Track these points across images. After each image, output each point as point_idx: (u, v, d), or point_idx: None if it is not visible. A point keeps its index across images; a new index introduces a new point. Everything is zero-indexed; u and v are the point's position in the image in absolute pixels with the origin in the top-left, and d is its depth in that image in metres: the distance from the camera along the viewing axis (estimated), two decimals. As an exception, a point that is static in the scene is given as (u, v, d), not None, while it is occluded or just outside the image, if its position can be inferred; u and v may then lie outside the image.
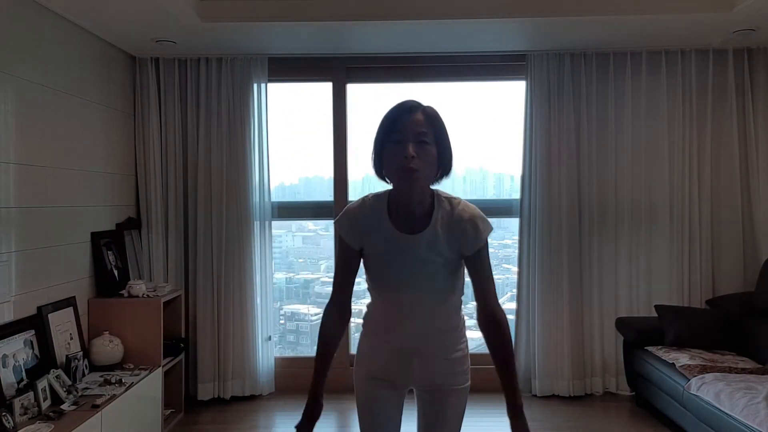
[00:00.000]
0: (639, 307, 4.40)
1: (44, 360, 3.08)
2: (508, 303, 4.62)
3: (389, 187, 1.80)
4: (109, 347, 3.53)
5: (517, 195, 4.54)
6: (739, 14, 3.62)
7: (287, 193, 4.93)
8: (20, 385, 2.83)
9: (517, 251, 4.52)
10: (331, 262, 4.90)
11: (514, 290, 4.53)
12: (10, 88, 2.97)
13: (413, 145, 1.66)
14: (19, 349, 2.91)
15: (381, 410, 1.91)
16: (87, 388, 3.16)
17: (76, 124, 3.58)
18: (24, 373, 2.90)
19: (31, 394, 2.78)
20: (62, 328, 3.32)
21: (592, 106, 4.42)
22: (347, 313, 1.88)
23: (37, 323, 3.10)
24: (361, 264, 1.87)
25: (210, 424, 4.04)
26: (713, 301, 4.27)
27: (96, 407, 2.90)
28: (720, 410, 3.04)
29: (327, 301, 1.88)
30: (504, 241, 5.09)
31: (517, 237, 4.53)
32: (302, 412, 1.81)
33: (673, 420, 3.65)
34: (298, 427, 1.79)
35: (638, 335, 4.05)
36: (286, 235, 5.27)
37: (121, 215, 4.17)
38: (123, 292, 3.82)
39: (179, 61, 4.43)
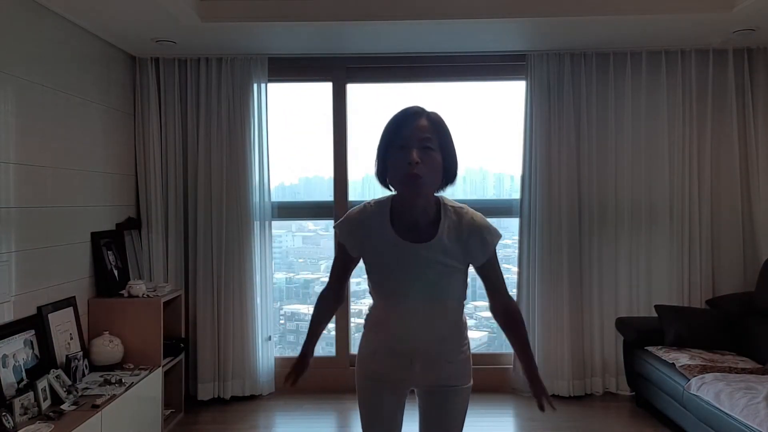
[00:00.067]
0: (639, 307, 4.40)
1: (44, 360, 3.08)
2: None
3: (391, 192, 1.78)
4: (109, 347, 3.53)
5: (517, 195, 4.53)
6: (739, 14, 3.62)
7: (287, 193, 4.93)
8: (20, 385, 2.83)
9: (517, 251, 4.52)
10: (331, 263, 4.89)
11: (514, 290, 4.50)
12: (10, 88, 2.97)
13: (417, 151, 1.64)
14: (19, 349, 2.91)
15: (382, 410, 1.91)
16: (87, 388, 3.16)
17: (76, 124, 3.58)
18: (24, 373, 2.90)
19: (31, 394, 2.78)
20: (62, 328, 3.31)
21: (592, 106, 4.42)
22: (342, 298, 2.01)
23: (37, 323, 3.10)
24: (361, 264, 1.87)
25: (210, 424, 4.03)
26: (713, 301, 4.27)
27: (96, 407, 2.90)
28: (720, 410, 3.04)
29: None
30: (504, 241, 5.09)
31: (517, 237, 4.53)
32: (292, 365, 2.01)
33: (673, 420, 3.64)
34: (286, 377, 1.99)
35: (638, 335, 4.05)
36: (286, 235, 5.27)
37: (121, 215, 4.16)
38: (123, 292, 3.82)
39: (179, 61, 4.42)
